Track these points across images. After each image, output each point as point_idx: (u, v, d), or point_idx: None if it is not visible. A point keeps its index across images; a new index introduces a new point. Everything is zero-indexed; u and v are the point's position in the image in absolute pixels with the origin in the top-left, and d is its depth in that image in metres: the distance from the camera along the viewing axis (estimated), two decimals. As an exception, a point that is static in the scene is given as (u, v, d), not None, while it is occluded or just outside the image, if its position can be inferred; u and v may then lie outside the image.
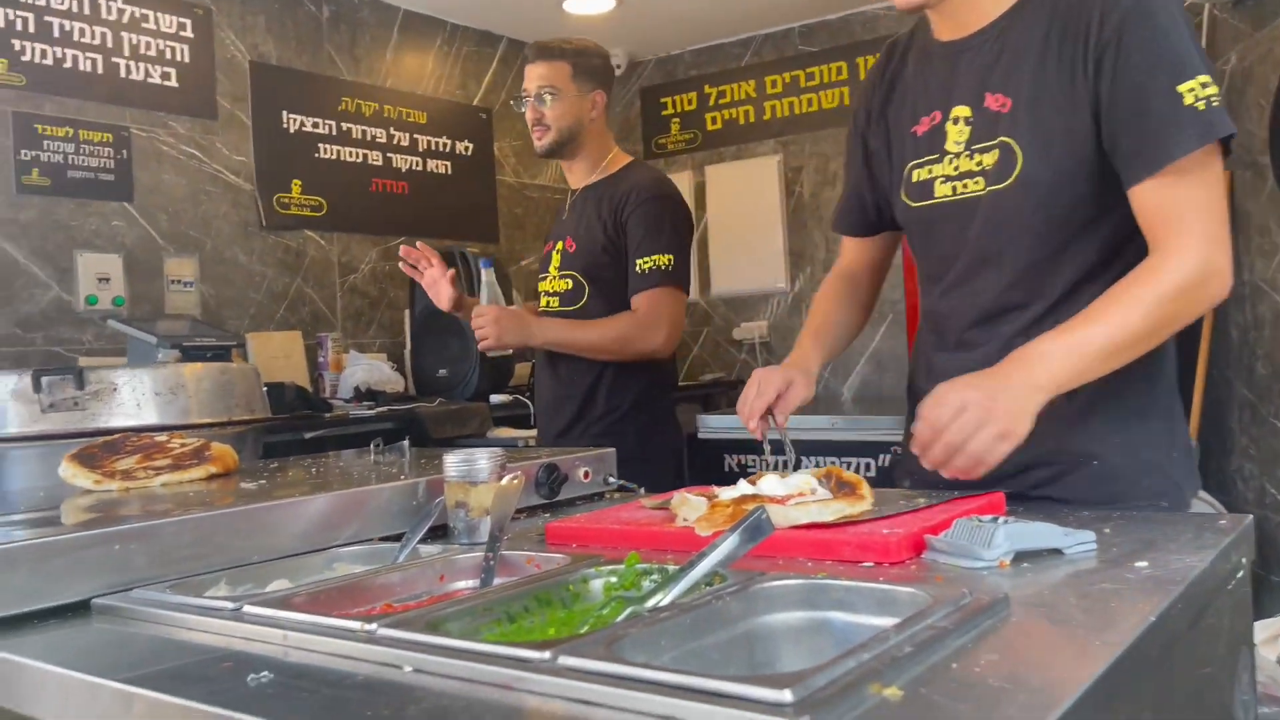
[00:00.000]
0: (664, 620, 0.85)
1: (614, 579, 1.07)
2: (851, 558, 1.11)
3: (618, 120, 5.47)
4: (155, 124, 3.61)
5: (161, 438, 1.64)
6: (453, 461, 1.37)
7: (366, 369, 3.82)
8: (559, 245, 2.61)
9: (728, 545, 0.98)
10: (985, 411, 1.21)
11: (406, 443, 1.76)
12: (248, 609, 0.97)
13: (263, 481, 1.50)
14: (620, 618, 0.92)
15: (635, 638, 0.81)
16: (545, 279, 2.61)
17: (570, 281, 2.56)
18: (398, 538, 1.31)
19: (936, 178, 1.51)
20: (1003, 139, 1.42)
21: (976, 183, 1.46)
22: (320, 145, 4.14)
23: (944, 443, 1.22)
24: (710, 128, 5.20)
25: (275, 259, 3.96)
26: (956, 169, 1.48)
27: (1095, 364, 1.28)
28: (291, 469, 1.67)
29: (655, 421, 2.54)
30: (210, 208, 3.76)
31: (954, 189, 1.49)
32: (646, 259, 2.43)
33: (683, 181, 5.22)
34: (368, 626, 0.87)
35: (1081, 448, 1.44)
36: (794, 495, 1.28)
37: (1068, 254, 1.42)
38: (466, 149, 4.74)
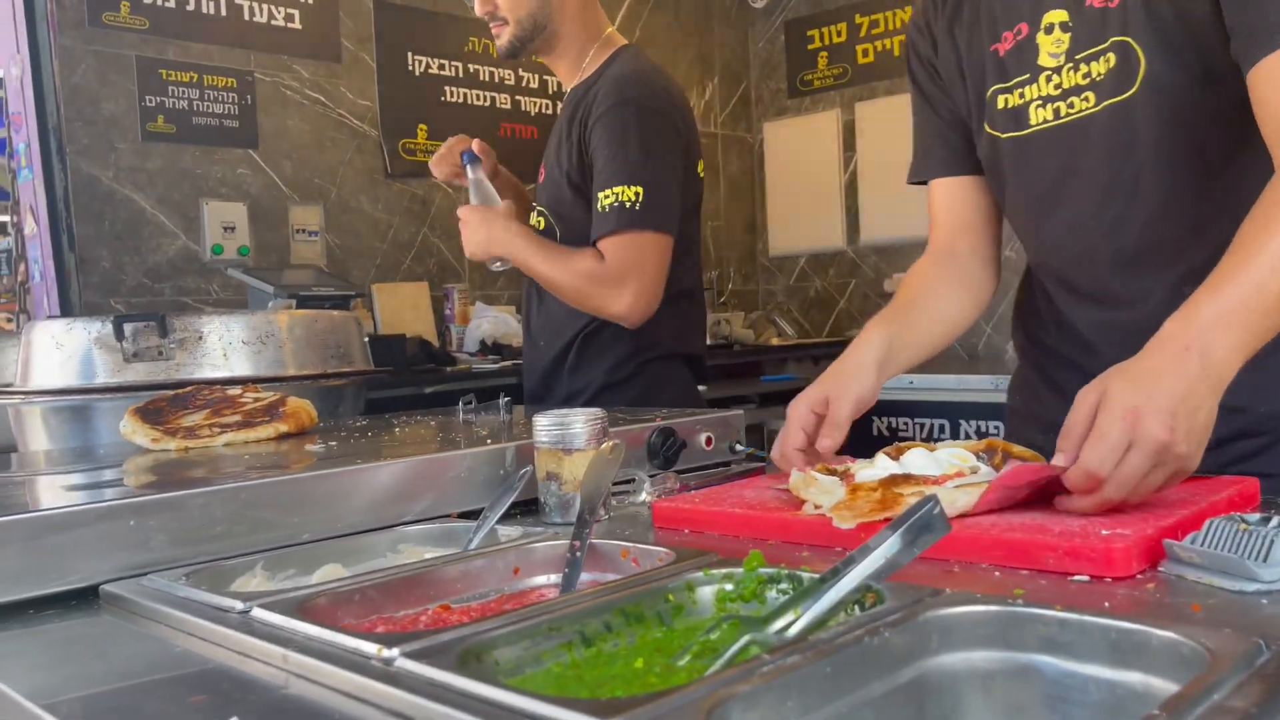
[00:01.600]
0: (794, 665, 0.58)
1: (729, 586, 0.81)
2: (1058, 567, 0.81)
3: (761, 58, 5.11)
4: (279, 68, 3.51)
5: (234, 391, 1.47)
6: (544, 424, 1.13)
7: (492, 321, 3.65)
8: (540, 172, 2.03)
9: (885, 550, 0.70)
10: (1160, 448, 0.86)
11: (504, 399, 1.54)
12: (256, 614, 0.76)
13: (333, 444, 1.31)
14: (734, 648, 0.66)
15: (748, 697, 0.55)
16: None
17: (543, 220, 1.97)
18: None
19: (1031, 102, 1.22)
20: (1115, 39, 1.13)
21: (1085, 99, 1.16)
22: (446, 88, 3.98)
23: (1101, 499, 0.88)
24: (861, 61, 4.78)
25: (401, 207, 3.83)
26: (1058, 87, 1.19)
27: (1276, 318, 0.94)
28: (374, 429, 1.48)
29: (639, 407, 1.78)
30: (334, 155, 3.64)
31: (1056, 111, 1.20)
32: (607, 191, 1.79)
33: (830, 121, 4.84)
34: (386, 653, 0.64)
35: None
36: (950, 476, 0.99)
37: (1235, 174, 1.10)
38: (599, 90, 4.49)
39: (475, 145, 1.97)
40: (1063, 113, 1.20)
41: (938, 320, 1.36)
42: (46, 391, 1.71)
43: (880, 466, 1.02)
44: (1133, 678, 0.61)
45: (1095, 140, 1.18)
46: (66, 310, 3.04)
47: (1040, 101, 1.22)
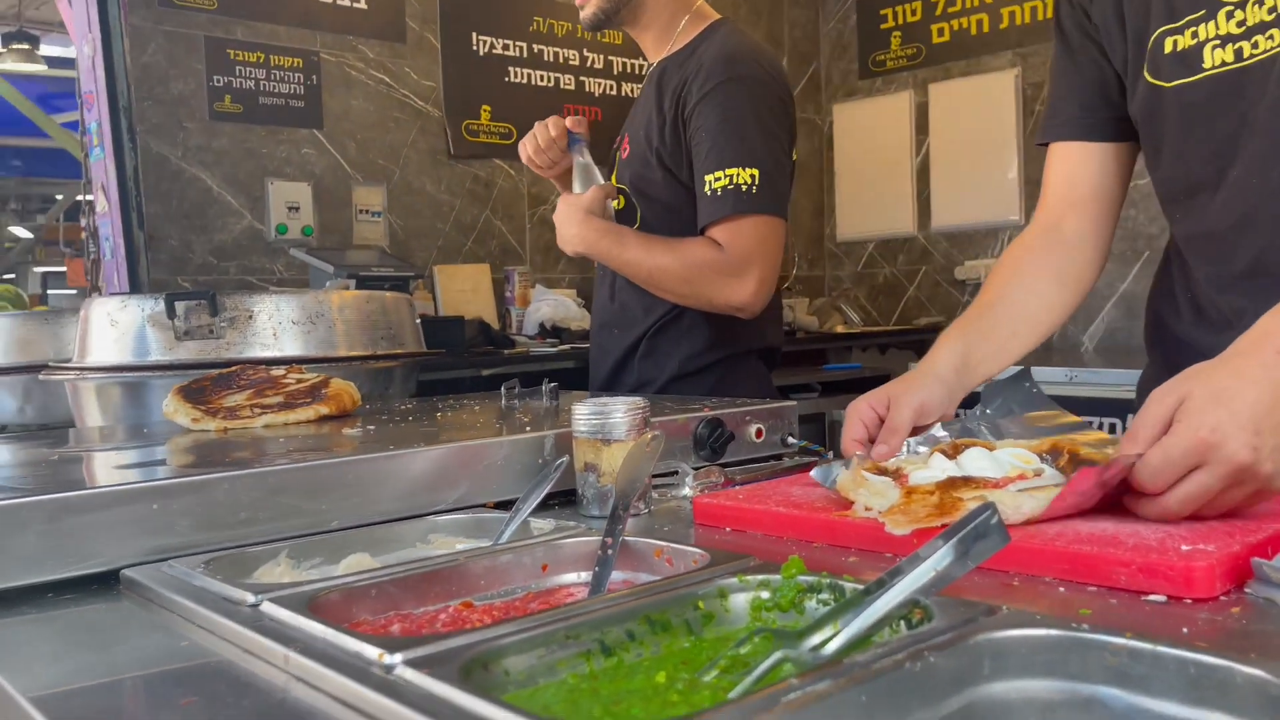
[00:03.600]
0: (824, 692, 0.53)
1: (765, 594, 0.75)
2: (1131, 585, 0.73)
3: (831, 38, 4.99)
4: (344, 48, 3.52)
5: (278, 372, 1.45)
6: (583, 413, 1.09)
7: (552, 305, 3.63)
8: (619, 145, 1.93)
9: (935, 561, 0.64)
10: (1239, 470, 0.79)
11: (550, 385, 1.49)
12: (266, 608, 0.72)
13: (371, 427, 1.28)
14: (764, 665, 0.60)
15: (771, 728, 0.49)
16: None
17: (622, 198, 1.86)
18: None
19: (1207, 41, 1.08)
20: None
21: (1270, 38, 1.03)
22: (510, 69, 3.95)
23: (1162, 510, 0.81)
24: (936, 40, 4.63)
25: (464, 189, 3.82)
26: (1241, 24, 1.05)
27: None
28: (416, 413, 1.45)
29: (708, 398, 1.64)
30: (398, 135, 3.64)
31: (1238, 52, 1.06)
32: (718, 174, 1.68)
33: (902, 103, 4.70)
34: (388, 659, 0.60)
35: None
36: (1013, 478, 0.91)
37: None
38: (665, 71, 4.42)
39: (570, 122, 1.83)
40: (1245, 54, 1.06)
41: (1023, 322, 1.25)
42: (101, 368, 1.72)
43: (936, 467, 0.95)
44: (1213, 719, 0.54)
45: (1276, 85, 1.05)
46: (135, 287, 3.09)
47: (1218, 41, 1.08)
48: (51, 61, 7.11)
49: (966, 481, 0.90)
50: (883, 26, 4.80)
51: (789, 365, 3.98)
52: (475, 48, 3.85)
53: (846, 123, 4.95)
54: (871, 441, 1.13)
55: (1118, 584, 0.74)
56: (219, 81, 3.24)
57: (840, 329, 4.31)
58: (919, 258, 4.69)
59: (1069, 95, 1.27)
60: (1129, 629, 0.60)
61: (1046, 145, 1.32)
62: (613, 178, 1.91)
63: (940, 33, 4.62)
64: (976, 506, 0.66)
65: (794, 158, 1.83)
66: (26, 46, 6.76)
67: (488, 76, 3.88)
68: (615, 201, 1.86)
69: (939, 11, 4.60)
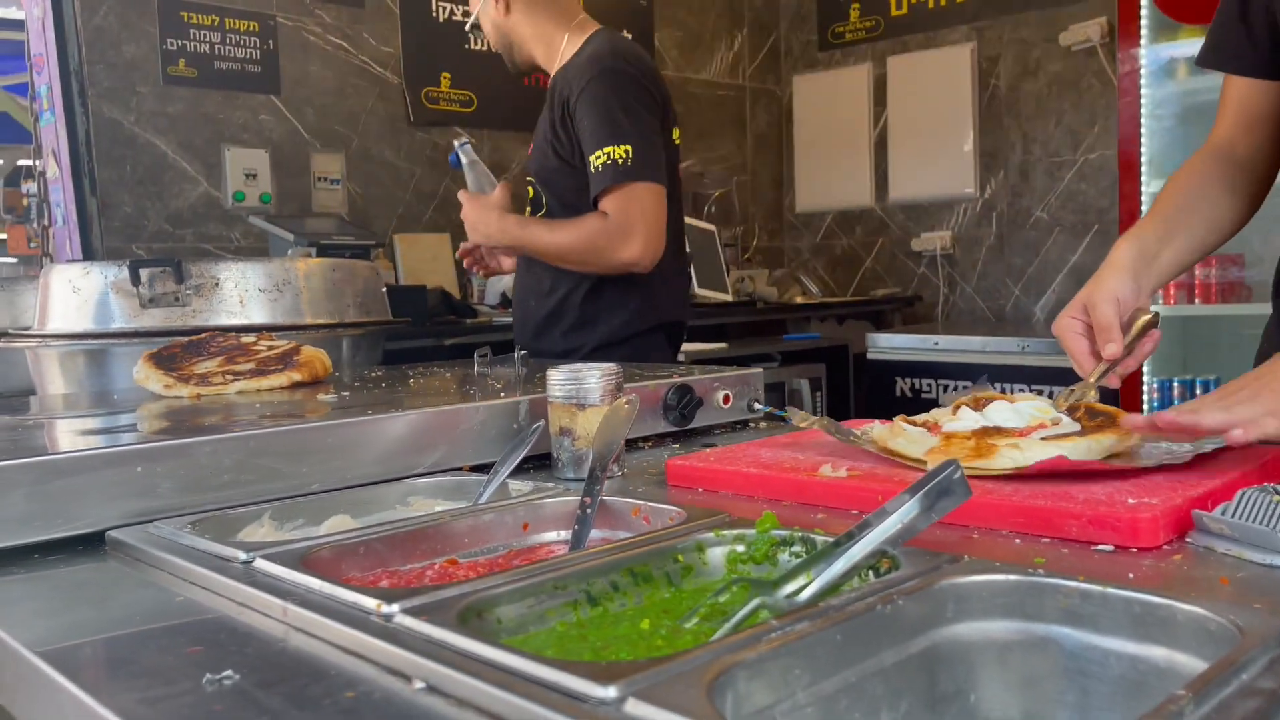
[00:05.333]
0: (802, 632, 0.57)
1: (741, 548, 0.79)
2: (1081, 536, 0.78)
3: (791, 9, 5.00)
4: (302, 12, 3.46)
5: (249, 339, 1.46)
6: (558, 379, 1.11)
7: (514, 275, 3.62)
8: (530, 146, 2.20)
9: (902, 514, 0.68)
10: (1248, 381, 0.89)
11: (520, 352, 1.52)
12: (259, 565, 0.75)
13: (346, 393, 1.29)
14: (742, 611, 0.64)
15: (754, 665, 0.53)
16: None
17: (532, 189, 2.14)
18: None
19: None
20: None
21: None
22: (470, 36, 3.91)
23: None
24: (894, 13, 4.66)
25: (424, 156, 3.79)
26: None
27: None
28: (388, 380, 1.46)
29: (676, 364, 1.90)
30: (357, 102, 3.61)
31: None
32: (598, 153, 1.92)
33: (860, 75, 4.74)
34: (386, 609, 0.63)
35: None
36: (1034, 427, 0.98)
37: None
38: (625, 40, 4.41)
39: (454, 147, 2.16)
40: None
41: (1201, 220, 1.24)
42: (63, 335, 1.71)
43: (966, 418, 1.01)
44: (1156, 653, 0.59)
45: None
46: (89, 255, 3.05)
47: None
48: (-5, 23, 6.89)
49: (999, 430, 0.97)
50: (841, -1, 4.83)
51: (749, 335, 4.03)
52: (435, 14, 3.81)
53: (806, 95, 4.98)
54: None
55: (1069, 535, 0.79)
56: (172, 45, 3.18)
57: (799, 300, 4.36)
58: (876, 229, 4.75)
59: (1239, 29, 1.26)
60: (1080, 575, 0.64)
61: (1205, 69, 1.32)
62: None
63: (898, 5, 4.65)
64: (940, 464, 0.70)
65: (675, 137, 2.06)
66: (-35, 6, 6.54)
67: (447, 43, 3.84)
68: (527, 191, 2.12)
69: (897, -16, 4.63)
